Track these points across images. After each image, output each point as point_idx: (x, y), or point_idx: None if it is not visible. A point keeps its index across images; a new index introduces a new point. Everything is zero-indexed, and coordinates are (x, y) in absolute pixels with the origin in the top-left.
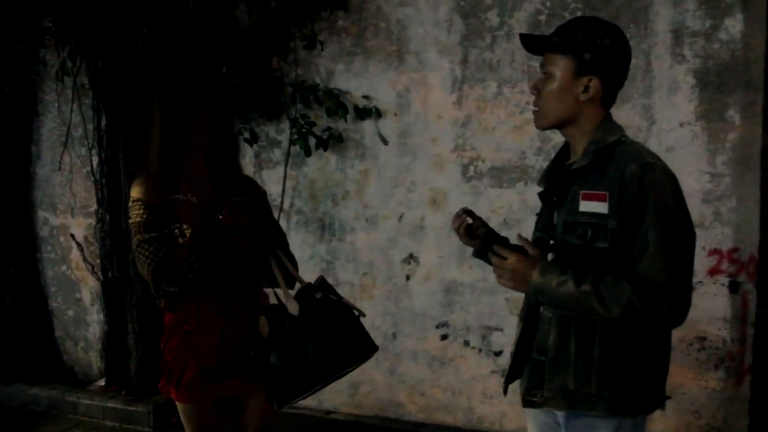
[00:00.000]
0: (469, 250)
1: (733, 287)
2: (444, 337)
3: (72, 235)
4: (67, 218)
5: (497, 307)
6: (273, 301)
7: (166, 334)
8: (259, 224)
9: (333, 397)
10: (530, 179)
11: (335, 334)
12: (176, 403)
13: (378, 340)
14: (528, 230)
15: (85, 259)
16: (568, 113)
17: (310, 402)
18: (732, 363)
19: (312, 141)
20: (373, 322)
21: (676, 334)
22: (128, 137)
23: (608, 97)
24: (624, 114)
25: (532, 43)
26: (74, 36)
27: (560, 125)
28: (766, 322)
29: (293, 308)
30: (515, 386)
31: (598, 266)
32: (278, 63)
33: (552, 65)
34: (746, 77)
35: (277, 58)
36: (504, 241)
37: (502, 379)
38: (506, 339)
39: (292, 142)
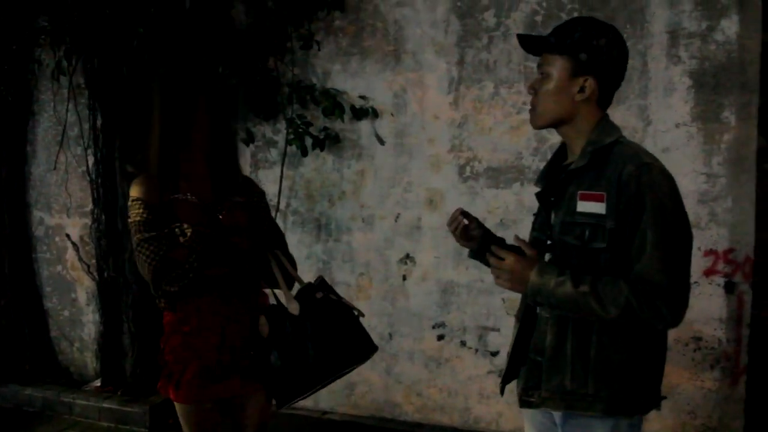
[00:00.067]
0: (466, 250)
1: (729, 288)
2: (441, 337)
3: (67, 235)
4: (63, 218)
5: (494, 308)
6: (272, 301)
7: (165, 334)
8: (258, 224)
9: (329, 397)
10: (527, 180)
11: (336, 334)
12: (175, 403)
13: (374, 340)
14: (524, 231)
15: (80, 259)
16: (564, 113)
17: (306, 402)
18: (727, 363)
19: (308, 141)
20: (369, 323)
21: (672, 334)
22: (124, 137)
23: (604, 97)
24: (620, 114)
25: (529, 43)
26: (70, 35)
27: (556, 125)
28: (761, 323)
29: (294, 308)
30: (512, 386)
31: (596, 266)
32: (275, 63)
33: (549, 65)
34: (742, 78)
35: (274, 57)
36: (501, 242)
37: (499, 380)
38: (503, 339)
39: (288, 142)
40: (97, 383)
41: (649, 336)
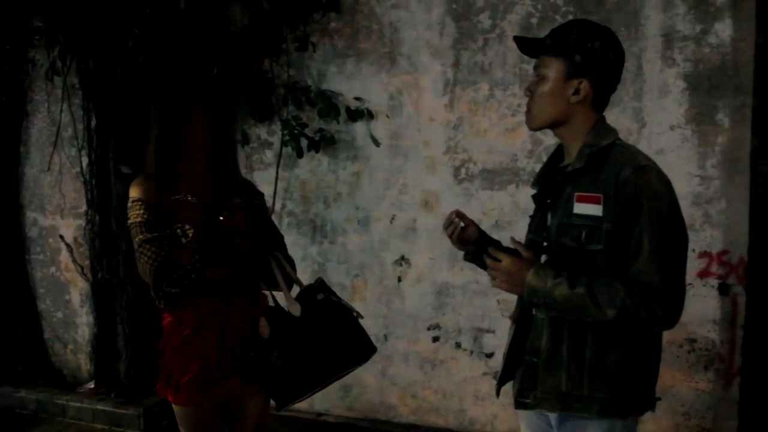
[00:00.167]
0: (461, 252)
1: (723, 289)
2: (435, 339)
3: (61, 237)
4: (57, 219)
5: (489, 309)
6: (270, 302)
7: (165, 336)
8: (258, 226)
9: (324, 399)
10: (522, 181)
11: (336, 335)
12: (173, 406)
13: None
14: (519, 232)
15: (74, 261)
16: (559, 115)
17: (301, 404)
18: (722, 365)
19: (304, 142)
20: (364, 324)
21: (666, 336)
22: (118, 138)
23: (600, 99)
24: (615, 117)
25: (526, 45)
26: (64, 35)
27: (552, 126)
28: (755, 324)
29: (296, 310)
30: (507, 388)
31: (592, 268)
32: (270, 64)
33: (545, 67)
34: (736, 81)
35: (269, 59)
36: (497, 244)
37: (494, 381)
38: (498, 341)
39: (283, 144)
40: (91, 385)
41: (644, 338)
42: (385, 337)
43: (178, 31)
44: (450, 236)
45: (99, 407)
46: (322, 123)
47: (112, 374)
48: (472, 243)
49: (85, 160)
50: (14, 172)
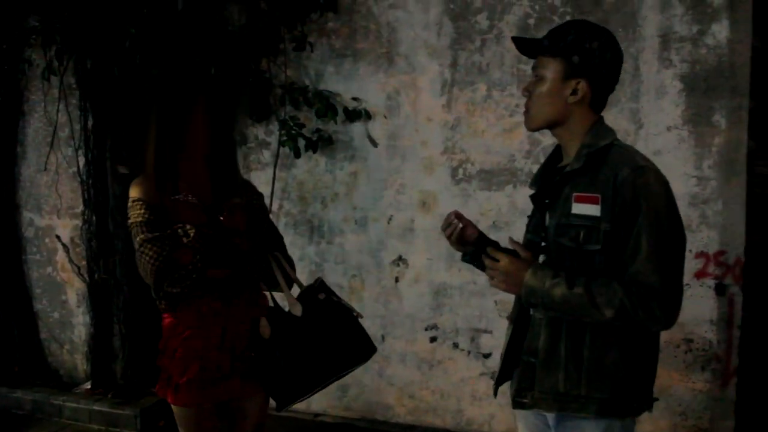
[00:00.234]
0: (458, 252)
1: (720, 290)
2: (433, 339)
3: (58, 237)
4: (53, 219)
5: (486, 310)
6: (270, 302)
7: (165, 337)
8: (258, 226)
9: (322, 399)
10: (519, 182)
11: (337, 335)
12: (173, 406)
13: None
14: (517, 233)
15: (71, 261)
16: (557, 115)
17: (299, 404)
18: (718, 365)
19: (301, 143)
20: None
21: (664, 336)
22: (115, 138)
23: (597, 100)
24: (612, 117)
25: (524, 45)
26: (61, 35)
27: (550, 127)
28: (752, 325)
29: (297, 310)
30: (505, 388)
31: (590, 268)
32: (268, 64)
33: (543, 68)
34: (732, 82)
35: (267, 59)
36: (495, 245)
37: (491, 382)
38: (495, 341)
39: (281, 144)
40: (88, 386)
41: (642, 338)
42: (383, 337)
43: (176, 30)
44: (449, 238)
45: (95, 408)
46: (319, 123)
47: (109, 375)
48: (471, 244)
49: (81, 160)
50: (11, 171)
